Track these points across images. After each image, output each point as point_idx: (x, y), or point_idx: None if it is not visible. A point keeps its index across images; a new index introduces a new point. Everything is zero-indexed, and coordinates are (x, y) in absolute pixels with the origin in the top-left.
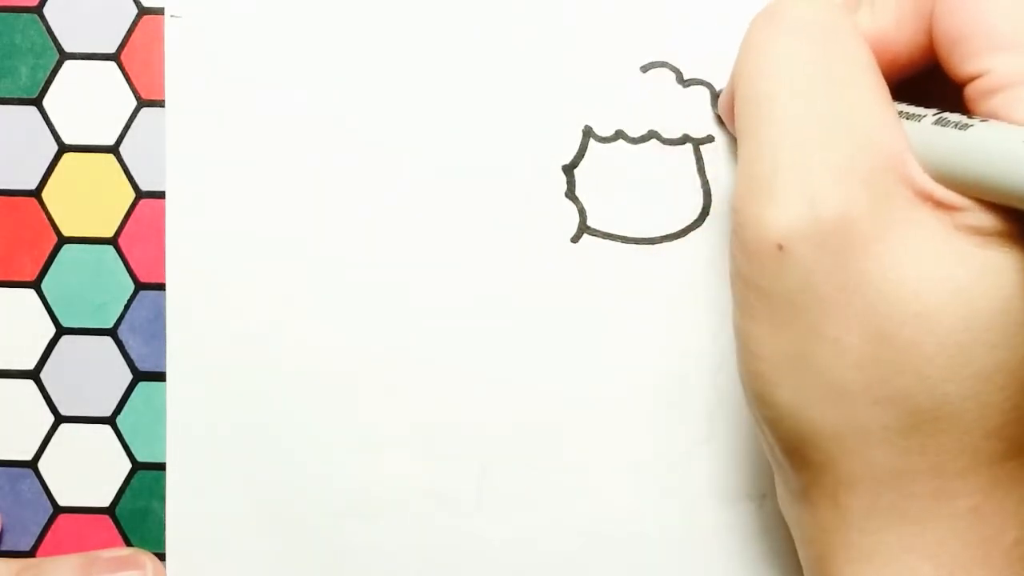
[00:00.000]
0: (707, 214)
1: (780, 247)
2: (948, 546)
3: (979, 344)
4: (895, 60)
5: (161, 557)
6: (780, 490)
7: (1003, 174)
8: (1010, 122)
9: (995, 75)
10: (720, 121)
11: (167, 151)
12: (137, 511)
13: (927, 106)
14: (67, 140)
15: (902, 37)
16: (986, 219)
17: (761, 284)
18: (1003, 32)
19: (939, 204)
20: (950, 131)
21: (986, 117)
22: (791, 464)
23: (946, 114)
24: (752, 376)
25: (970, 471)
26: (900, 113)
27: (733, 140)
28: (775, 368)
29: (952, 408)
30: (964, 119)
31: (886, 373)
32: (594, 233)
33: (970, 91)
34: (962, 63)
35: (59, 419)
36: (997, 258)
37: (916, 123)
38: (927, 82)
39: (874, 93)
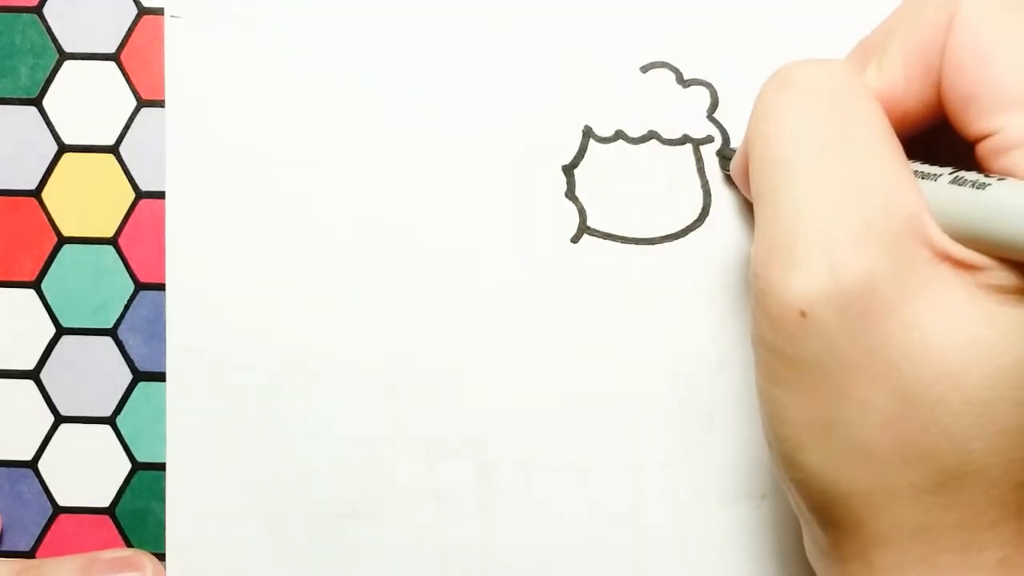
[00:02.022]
0: (707, 214)
1: (803, 313)
2: None
3: (1004, 401)
4: (905, 117)
5: (161, 557)
6: (808, 544)
7: (1022, 232)
8: None
9: (1007, 133)
10: (730, 180)
11: (167, 151)
12: (137, 511)
13: (940, 162)
14: (67, 140)
15: (911, 94)
16: (1007, 277)
17: (786, 350)
18: (1013, 91)
19: (959, 263)
20: (967, 190)
21: (1001, 175)
22: (819, 522)
23: (962, 173)
24: (779, 439)
25: (998, 523)
26: (916, 173)
27: (733, 141)
28: (802, 431)
29: (979, 464)
30: (981, 178)
31: (913, 432)
32: (594, 233)
33: (982, 149)
34: (973, 122)
35: (59, 419)
36: (1019, 315)
37: (932, 182)
38: (939, 137)
39: (890, 154)
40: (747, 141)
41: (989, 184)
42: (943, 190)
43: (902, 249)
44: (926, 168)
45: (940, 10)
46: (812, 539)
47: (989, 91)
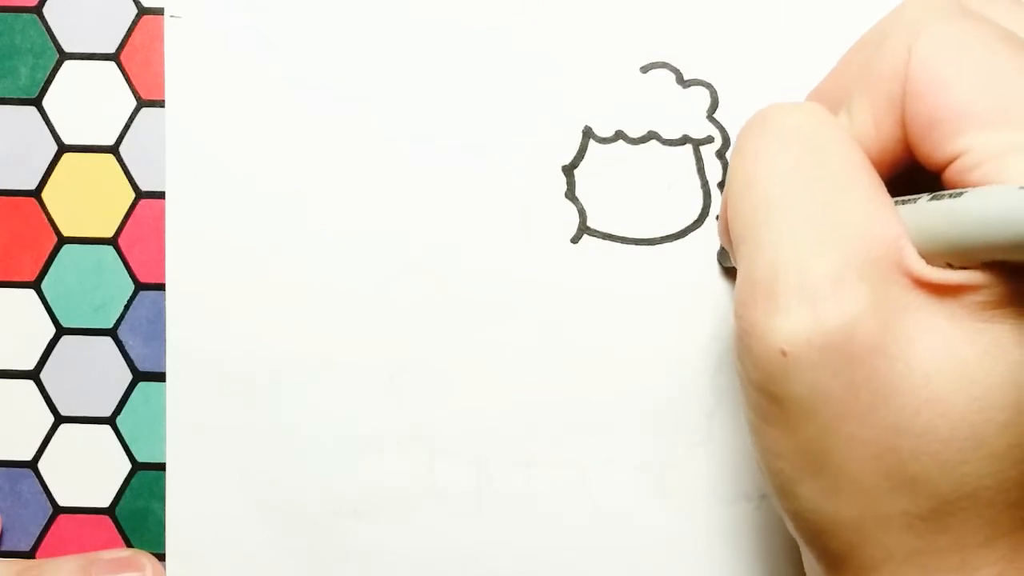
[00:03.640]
0: (707, 214)
1: (784, 353)
2: None
3: (992, 424)
4: (881, 160)
5: (161, 557)
6: (806, 566)
7: (1006, 224)
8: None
9: (974, 152)
10: (725, 256)
11: (167, 151)
12: (137, 511)
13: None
14: (67, 140)
15: (883, 135)
16: (985, 294)
17: (771, 388)
18: (975, 111)
19: (938, 288)
20: (945, 202)
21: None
22: (815, 550)
23: (939, 192)
24: (771, 473)
25: (991, 542)
26: (896, 201)
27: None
28: (793, 465)
29: (970, 488)
30: (958, 190)
31: (903, 461)
32: (594, 234)
33: (951, 173)
34: (938, 147)
35: (59, 419)
36: (1003, 333)
37: (912, 204)
38: (914, 177)
39: (868, 188)
40: (726, 185)
41: (965, 192)
42: (922, 209)
43: (881, 281)
44: (906, 197)
45: (897, 47)
46: (809, 565)
47: (951, 114)
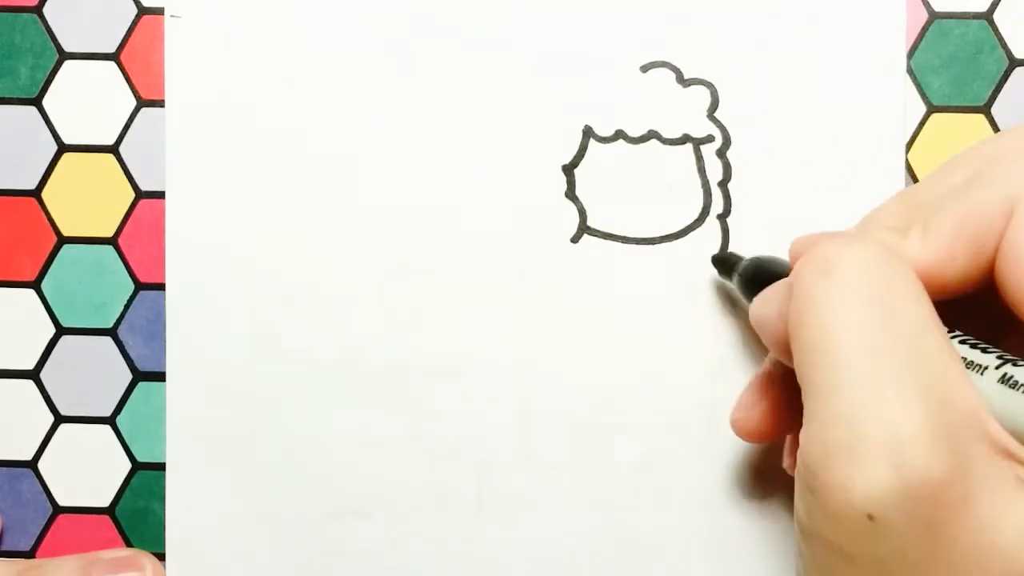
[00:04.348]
0: (707, 214)
1: (871, 516)
2: None
3: None
4: (943, 286)
5: (161, 557)
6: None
7: None
8: None
9: None
10: (720, 267)
11: (167, 151)
12: (137, 511)
13: (977, 321)
14: (67, 140)
15: (955, 269)
16: None
17: (847, 549)
18: None
19: (1021, 461)
20: (1019, 395)
21: None
22: None
23: (1008, 368)
24: None
25: None
26: (964, 361)
27: (733, 141)
28: None
29: None
30: None
31: None
32: (594, 233)
33: None
34: None
35: (59, 419)
36: None
37: (979, 376)
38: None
39: (942, 349)
40: (791, 327)
41: None
42: (992, 387)
43: (964, 446)
44: (971, 354)
45: (1001, 199)
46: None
47: None
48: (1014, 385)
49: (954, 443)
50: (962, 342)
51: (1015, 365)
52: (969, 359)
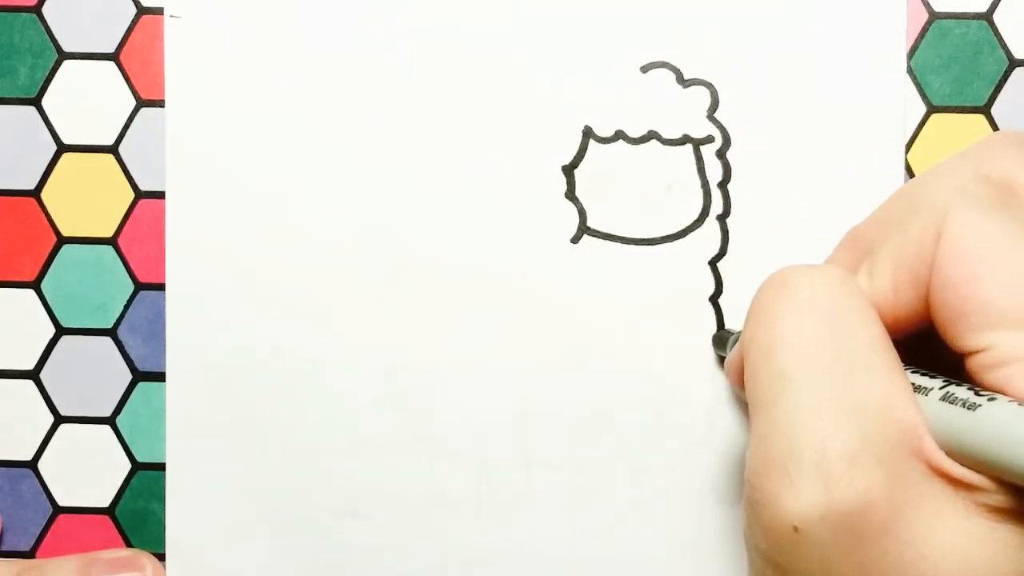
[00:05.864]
0: (707, 214)
1: (796, 529)
2: None
3: None
4: (895, 322)
5: (161, 557)
6: None
7: (1013, 455)
8: (1017, 397)
9: (997, 351)
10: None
11: (167, 151)
12: (137, 511)
13: (933, 359)
14: (66, 140)
15: (901, 304)
16: (1002, 499)
17: (778, 560)
18: (1002, 309)
19: (955, 481)
20: (958, 410)
21: (991, 392)
22: None
23: (952, 389)
24: None
25: None
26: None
27: (733, 141)
28: None
29: None
30: (971, 397)
31: None
32: (594, 233)
33: (972, 364)
34: (962, 337)
35: (59, 419)
36: (1012, 536)
37: (924, 396)
38: (928, 338)
39: (887, 369)
40: (743, 343)
41: (979, 405)
42: (935, 406)
43: (897, 464)
44: (918, 379)
45: (927, 225)
46: None
47: (978, 309)
48: (954, 400)
49: (887, 461)
50: (914, 372)
51: (958, 386)
52: (917, 384)
